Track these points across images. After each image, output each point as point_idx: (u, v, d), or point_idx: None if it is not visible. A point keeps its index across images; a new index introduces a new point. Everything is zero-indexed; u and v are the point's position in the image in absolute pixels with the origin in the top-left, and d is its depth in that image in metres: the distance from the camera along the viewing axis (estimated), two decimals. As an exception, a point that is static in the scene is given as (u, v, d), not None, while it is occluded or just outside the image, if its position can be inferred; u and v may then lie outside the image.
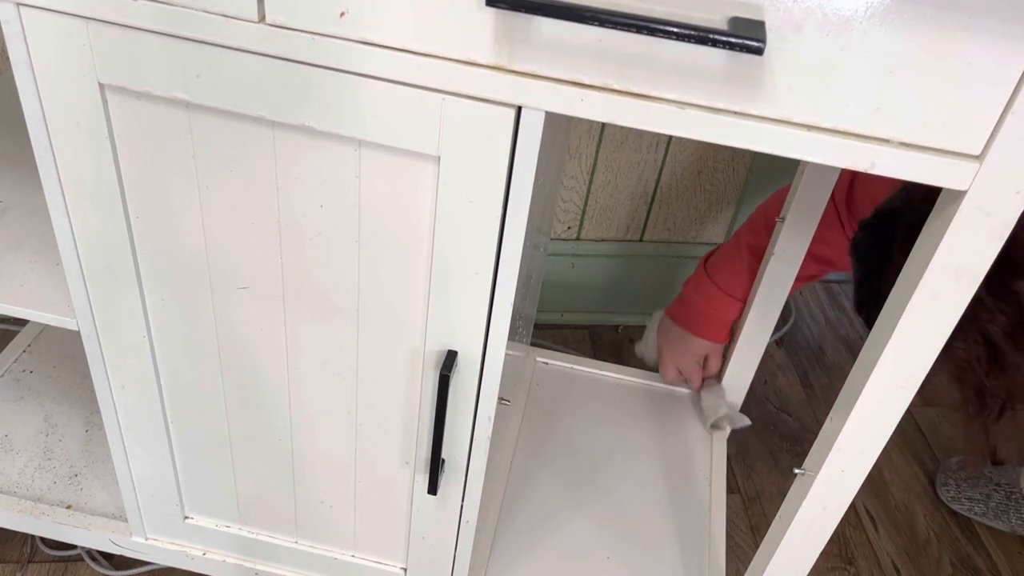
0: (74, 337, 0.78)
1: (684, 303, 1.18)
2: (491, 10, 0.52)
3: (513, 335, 0.75)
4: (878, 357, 0.60)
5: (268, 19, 0.55)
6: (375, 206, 0.65)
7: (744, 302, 1.13)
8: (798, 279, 1.08)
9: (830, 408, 0.67)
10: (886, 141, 0.53)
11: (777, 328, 1.24)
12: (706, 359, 1.19)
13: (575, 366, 1.25)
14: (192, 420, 0.83)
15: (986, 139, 0.51)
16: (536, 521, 1.05)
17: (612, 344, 1.52)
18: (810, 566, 0.75)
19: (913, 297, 0.57)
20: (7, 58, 0.62)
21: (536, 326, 1.51)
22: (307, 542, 0.92)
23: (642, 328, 1.55)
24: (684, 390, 1.24)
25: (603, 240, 1.46)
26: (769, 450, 1.36)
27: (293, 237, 0.68)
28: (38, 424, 1.07)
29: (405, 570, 0.91)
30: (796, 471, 0.71)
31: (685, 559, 1.03)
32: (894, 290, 0.61)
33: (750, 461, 1.35)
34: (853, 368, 0.65)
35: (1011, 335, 0.75)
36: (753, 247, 1.11)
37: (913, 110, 0.51)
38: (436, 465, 0.78)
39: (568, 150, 1.32)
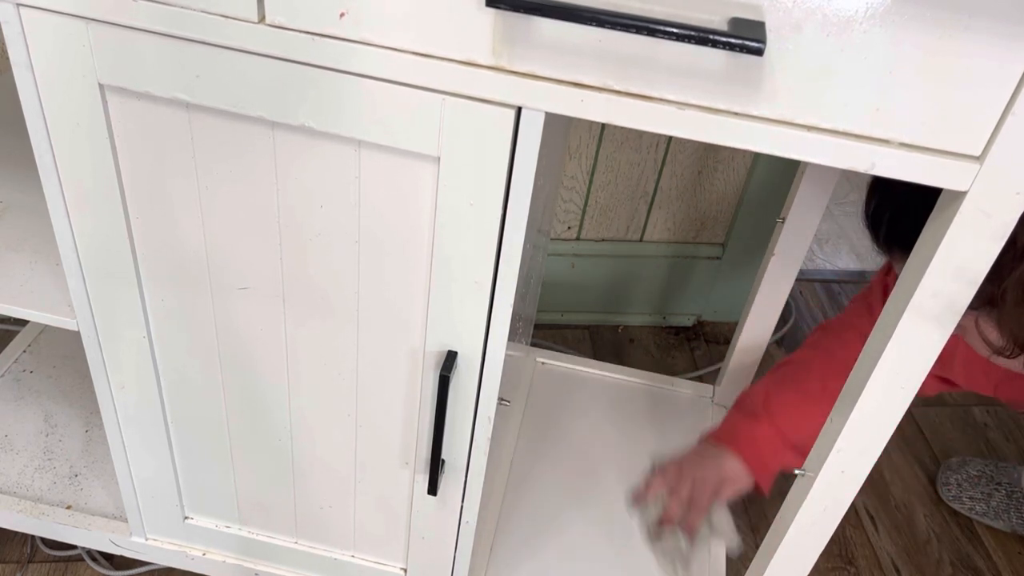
0: (74, 337, 0.78)
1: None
2: (491, 10, 0.52)
3: (513, 335, 0.74)
4: (878, 357, 0.60)
5: (268, 19, 0.55)
6: (375, 206, 0.65)
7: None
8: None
9: (830, 408, 0.67)
10: (886, 142, 0.53)
11: (777, 328, 1.24)
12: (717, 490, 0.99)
13: (575, 366, 1.25)
14: (192, 420, 0.83)
15: (986, 140, 0.51)
16: (536, 521, 1.05)
17: (612, 344, 1.52)
18: (810, 566, 0.75)
19: (913, 297, 0.57)
20: (7, 58, 0.61)
21: (536, 326, 1.51)
22: (307, 542, 0.92)
23: (642, 328, 1.55)
24: (683, 391, 1.24)
25: (603, 240, 1.46)
26: (769, 450, 1.36)
27: (293, 237, 0.68)
28: (38, 424, 1.07)
29: (405, 570, 0.91)
30: (796, 471, 0.71)
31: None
32: (894, 290, 0.60)
33: (750, 461, 1.34)
34: (853, 368, 0.65)
35: None
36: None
37: (913, 111, 0.51)
38: (436, 465, 0.78)
39: (568, 150, 1.32)
